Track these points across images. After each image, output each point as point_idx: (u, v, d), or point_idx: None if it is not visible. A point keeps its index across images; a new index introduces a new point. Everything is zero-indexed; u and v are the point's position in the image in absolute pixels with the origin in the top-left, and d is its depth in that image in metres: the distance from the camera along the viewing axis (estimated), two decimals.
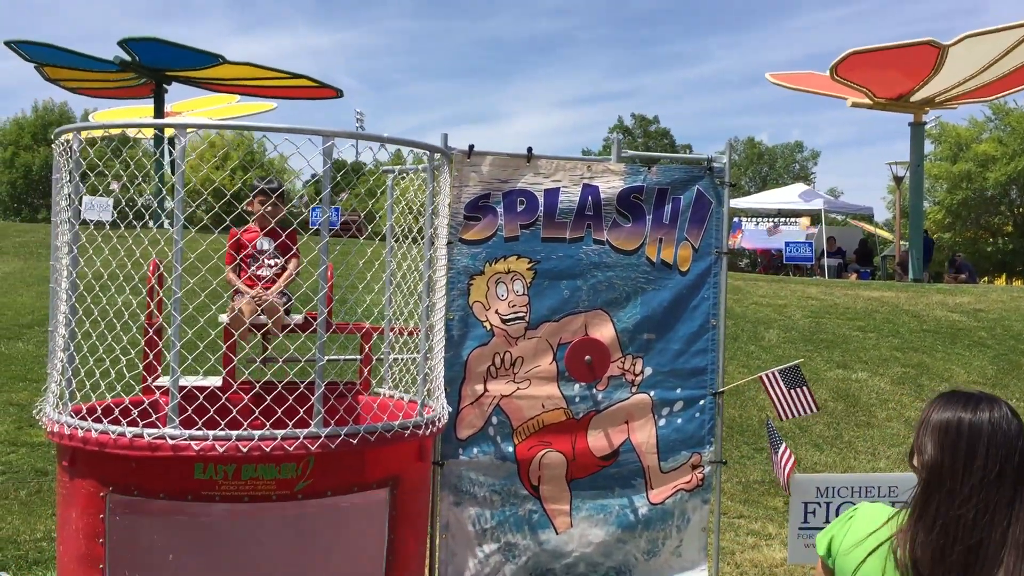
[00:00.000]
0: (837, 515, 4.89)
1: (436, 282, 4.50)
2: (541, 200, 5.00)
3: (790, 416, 5.07)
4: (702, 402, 5.22)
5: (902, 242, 29.63)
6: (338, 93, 30.47)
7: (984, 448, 2.21)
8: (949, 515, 2.19)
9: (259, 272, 5.04)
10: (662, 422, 5.16)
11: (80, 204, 3.82)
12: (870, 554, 2.28)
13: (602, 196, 5.07)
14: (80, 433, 3.57)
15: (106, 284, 3.84)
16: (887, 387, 11.39)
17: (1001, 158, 40.61)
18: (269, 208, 4.67)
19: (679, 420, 5.19)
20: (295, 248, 5.14)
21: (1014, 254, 40.58)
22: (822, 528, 4.90)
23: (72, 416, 3.75)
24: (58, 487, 3.89)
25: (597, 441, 5.06)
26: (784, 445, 4.97)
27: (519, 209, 4.98)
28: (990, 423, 2.24)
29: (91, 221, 3.92)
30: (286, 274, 5.05)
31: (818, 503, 4.89)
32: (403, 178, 4.96)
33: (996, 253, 41.66)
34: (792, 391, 5.07)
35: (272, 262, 5.06)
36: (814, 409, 5.10)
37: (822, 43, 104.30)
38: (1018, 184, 42.00)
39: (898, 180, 30.25)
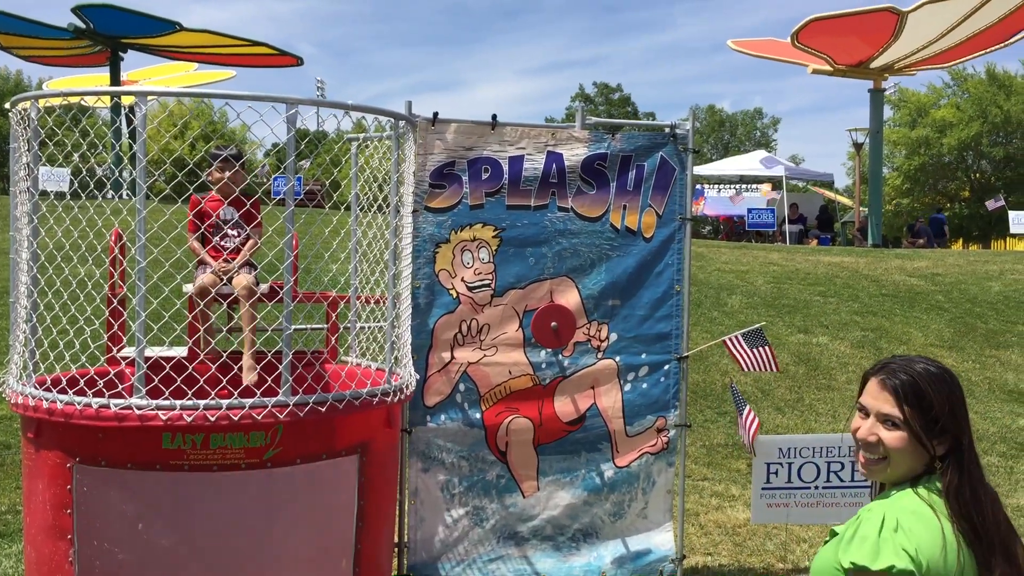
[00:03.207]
0: (799, 476, 5.01)
1: (402, 250, 4.50)
2: (506, 168, 5.01)
3: (752, 368, 5.14)
4: (667, 367, 5.29)
5: (862, 208, 30.00)
6: (298, 61, 30.09)
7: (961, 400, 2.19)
8: (974, 471, 2.14)
9: (223, 243, 4.99)
10: (628, 387, 5.22)
11: (40, 173, 3.77)
12: (958, 551, 2.07)
13: (566, 163, 5.08)
14: (45, 404, 3.55)
15: (68, 255, 3.80)
16: (847, 351, 11.57)
17: (958, 124, 41.10)
18: (232, 175, 4.62)
19: (644, 385, 5.25)
20: (259, 217, 5.09)
21: (970, 219, 41.20)
22: (784, 489, 5.03)
23: (37, 387, 3.72)
24: (24, 459, 3.87)
25: (564, 407, 5.12)
26: (748, 407, 5.06)
27: (484, 177, 4.99)
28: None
29: (51, 192, 3.86)
30: (250, 243, 5.01)
31: (780, 464, 5.00)
32: (366, 147, 4.94)
33: (953, 218, 42.27)
34: (754, 350, 5.16)
35: (235, 231, 5.00)
36: (774, 368, 5.18)
37: (785, 9, 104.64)
38: (974, 150, 42.56)
39: (858, 146, 30.56)
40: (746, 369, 5.17)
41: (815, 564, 2.23)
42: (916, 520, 2.07)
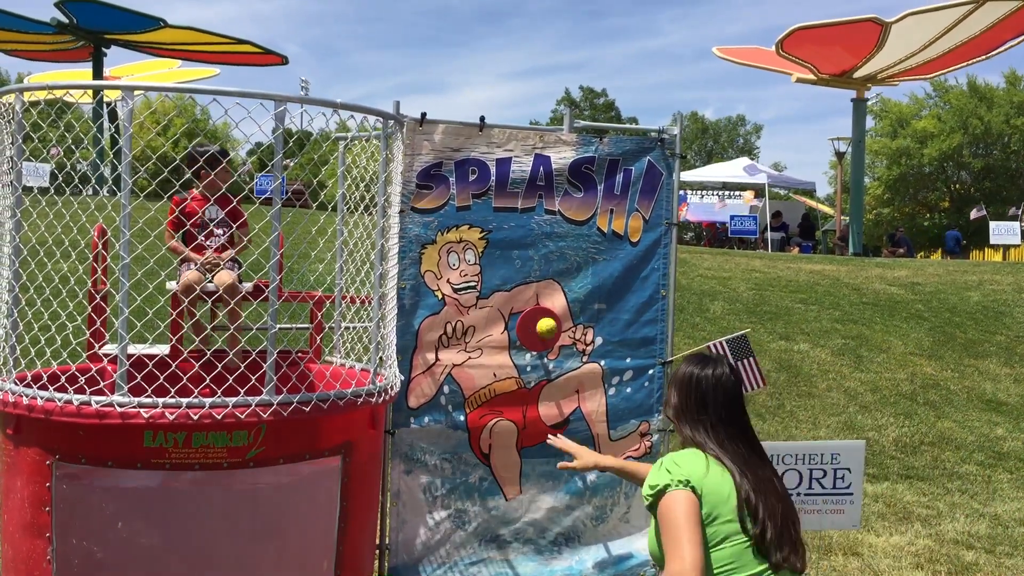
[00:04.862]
0: None
1: (388, 250, 4.47)
2: (493, 169, 5.00)
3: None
4: (651, 371, 5.29)
5: (843, 217, 30.21)
6: (283, 60, 30.07)
7: (712, 396, 3.05)
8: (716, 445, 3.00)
9: (208, 241, 4.94)
10: (612, 391, 5.22)
11: (22, 167, 3.73)
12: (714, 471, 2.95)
13: (554, 166, 5.08)
14: (25, 400, 3.51)
15: (51, 250, 3.76)
16: (828, 358, 11.63)
17: (939, 135, 41.45)
18: (221, 173, 4.59)
19: (628, 389, 5.25)
20: (244, 216, 5.04)
21: (949, 229, 41.56)
22: None
23: (17, 383, 3.68)
24: (2, 455, 3.82)
25: (548, 410, 5.11)
26: None
27: (471, 178, 4.97)
28: (714, 376, 3.07)
29: (34, 187, 3.82)
30: (237, 241, 4.96)
31: None
32: (352, 147, 4.92)
33: (932, 228, 42.62)
34: (739, 363, 5.16)
35: (220, 230, 4.96)
36: (761, 385, 5.19)
37: (769, 18, 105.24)
38: (953, 160, 42.91)
39: (840, 156, 30.77)
40: None
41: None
42: (683, 457, 2.98)
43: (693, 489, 2.79)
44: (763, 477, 2.95)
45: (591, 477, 5.20)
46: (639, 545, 5.29)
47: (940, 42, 23.16)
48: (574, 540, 5.21)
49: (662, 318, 5.30)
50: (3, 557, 3.86)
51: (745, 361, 5.16)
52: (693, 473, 2.84)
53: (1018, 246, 26.53)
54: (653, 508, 2.89)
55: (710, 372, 3.07)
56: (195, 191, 4.95)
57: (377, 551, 4.81)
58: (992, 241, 26.73)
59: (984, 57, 24.90)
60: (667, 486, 2.83)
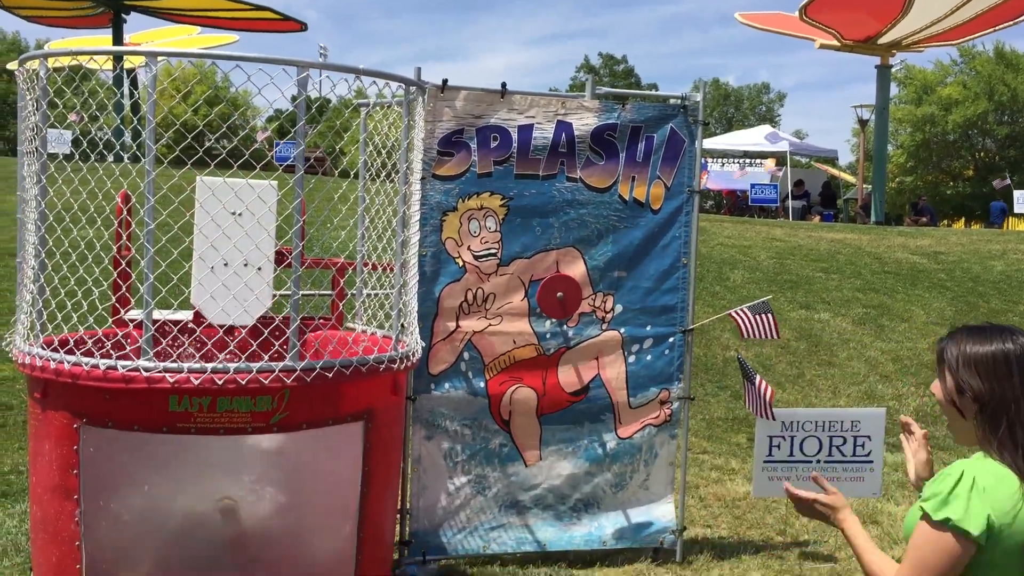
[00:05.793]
0: (802, 450, 5.03)
1: (410, 217, 4.48)
2: (515, 136, 4.98)
3: (753, 334, 5.13)
4: (671, 339, 5.29)
5: (865, 185, 29.95)
6: (302, 26, 29.98)
7: None
8: None
9: None
10: (632, 358, 5.23)
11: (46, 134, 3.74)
12: None
13: (576, 133, 5.06)
14: (53, 364, 3.55)
15: (76, 216, 3.78)
16: (849, 327, 11.58)
17: (964, 101, 40.86)
18: None
19: (648, 357, 5.26)
20: None
21: (973, 198, 41.07)
22: (786, 462, 5.04)
23: (44, 348, 3.72)
24: (30, 419, 3.88)
25: (567, 377, 5.12)
26: (759, 376, 5.05)
27: (492, 145, 4.96)
28: None
29: (58, 154, 3.83)
30: None
31: (783, 437, 5.01)
32: (374, 114, 4.91)
33: (956, 196, 42.15)
34: (757, 315, 5.15)
35: None
36: (775, 335, 5.17)
37: None
38: (978, 128, 42.33)
39: (863, 123, 30.44)
40: (746, 336, 5.16)
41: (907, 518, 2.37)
42: (988, 476, 2.22)
43: (979, 544, 2.18)
44: None
45: (610, 444, 5.23)
46: (658, 512, 5.32)
47: (966, 7, 22.77)
48: (593, 506, 5.24)
49: (683, 286, 5.29)
50: (32, 519, 3.93)
51: (762, 315, 5.14)
52: (995, 509, 2.19)
53: None
54: (924, 517, 2.25)
55: (1023, 342, 2.32)
56: None
57: (399, 515, 4.86)
58: (1017, 210, 26.40)
59: (1012, 23, 24.48)
60: (956, 523, 2.18)
